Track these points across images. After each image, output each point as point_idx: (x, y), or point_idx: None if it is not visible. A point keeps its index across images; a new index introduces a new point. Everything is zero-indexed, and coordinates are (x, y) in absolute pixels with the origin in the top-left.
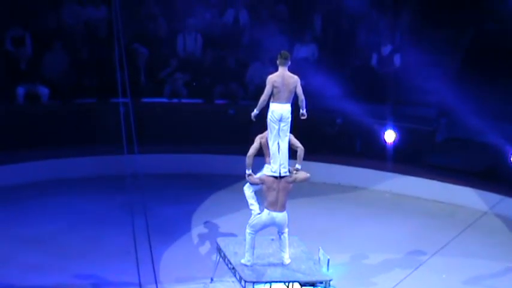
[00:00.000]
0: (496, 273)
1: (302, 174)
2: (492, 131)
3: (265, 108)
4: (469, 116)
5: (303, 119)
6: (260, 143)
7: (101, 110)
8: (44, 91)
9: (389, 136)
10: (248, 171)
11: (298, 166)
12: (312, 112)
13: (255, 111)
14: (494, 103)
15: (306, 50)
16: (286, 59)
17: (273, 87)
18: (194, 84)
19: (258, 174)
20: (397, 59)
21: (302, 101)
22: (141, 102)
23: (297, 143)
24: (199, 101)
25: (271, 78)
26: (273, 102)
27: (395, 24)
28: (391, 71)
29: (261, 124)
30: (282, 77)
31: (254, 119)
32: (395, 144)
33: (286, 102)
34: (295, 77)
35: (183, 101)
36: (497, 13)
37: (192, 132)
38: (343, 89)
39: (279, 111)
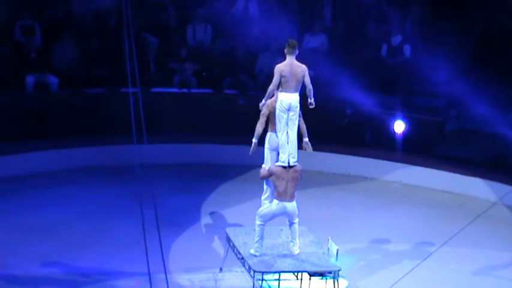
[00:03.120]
0: (505, 264)
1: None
2: (502, 122)
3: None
4: (478, 106)
5: (312, 108)
6: (269, 112)
7: (110, 100)
8: (53, 80)
9: (399, 126)
10: (255, 140)
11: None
12: (322, 103)
13: (263, 101)
14: (504, 94)
15: (315, 41)
16: (294, 47)
17: (281, 76)
18: (204, 74)
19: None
20: (407, 50)
21: (310, 90)
22: (151, 92)
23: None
24: (208, 91)
25: (279, 68)
26: (281, 91)
27: (405, 15)
28: (400, 62)
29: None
30: (290, 66)
31: (262, 109)
32: (405, 134)
33: (295, 92)
34: (303, 66)
35: (193, 91)
36: (508, 4)
37: (201, 122)
38: (352, 79)
39: (288, 100)
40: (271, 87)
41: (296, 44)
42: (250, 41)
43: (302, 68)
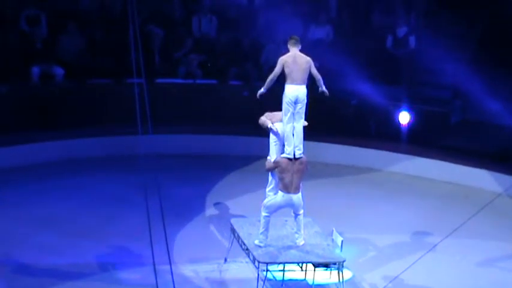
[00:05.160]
0: (509, 255)
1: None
2: (507, 113)
3: (274, 89)
4: (483, 98)
5: (318, 99)
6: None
7: (115, 91)
8: (59, 71)
9: (404, 118)
10: (270, 125)
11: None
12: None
13: (262, 90)
14: (509, 85)
15: (321, 32)
16: (296, 40)
17: (284, 67)
18: (209, 65)
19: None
20: (412, 41)
21: (319, 80)
22: (156, 83)
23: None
24: (213, 82)
25: (282, 59)
26: (288, 83)
27: (410, 6)
28: (406, 53)
29: (272, 105)
30: (293, 57)
31: (259, 98)
32: (410, 125)
33: (302, 84)
34: (307, 57)
35: (198, 81)
36: None
37: (206, 113)
38: (358, 70)
39: (295, 92)
40: (271, 76)
41: (298, 38)
42: (255, 32)
43: (306, 59)
